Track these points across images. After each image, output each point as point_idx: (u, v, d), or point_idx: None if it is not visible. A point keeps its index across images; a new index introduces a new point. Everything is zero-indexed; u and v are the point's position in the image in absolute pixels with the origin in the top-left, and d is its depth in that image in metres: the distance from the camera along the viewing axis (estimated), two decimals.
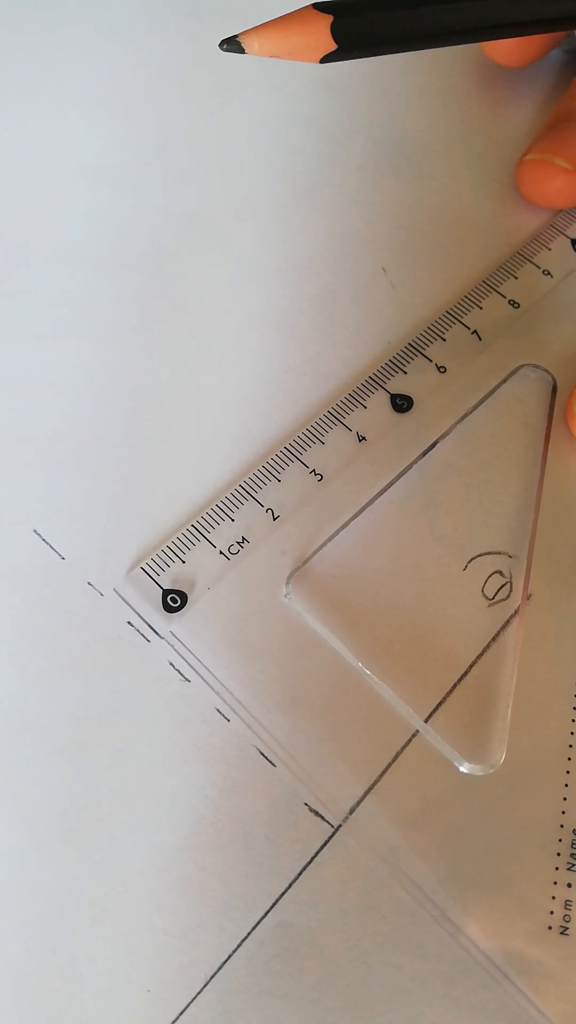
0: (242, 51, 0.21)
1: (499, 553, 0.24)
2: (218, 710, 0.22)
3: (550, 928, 0.20)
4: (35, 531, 0.24)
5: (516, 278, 0.29)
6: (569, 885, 0.20)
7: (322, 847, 0.21)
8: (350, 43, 0.22)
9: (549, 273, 0.29)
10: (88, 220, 0.30)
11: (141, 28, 0.36)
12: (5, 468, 0.25)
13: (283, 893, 0.20)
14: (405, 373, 0.27)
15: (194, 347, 0.28)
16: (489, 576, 0.24)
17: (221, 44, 0.21)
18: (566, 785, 0.22)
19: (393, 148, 0.33)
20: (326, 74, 0.35)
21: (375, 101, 0.34)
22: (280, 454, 0.26)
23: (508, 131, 0.34)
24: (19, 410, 0.27)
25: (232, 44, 0.21)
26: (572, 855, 0.21)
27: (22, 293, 0.29)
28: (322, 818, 0.21)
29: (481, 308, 0.28)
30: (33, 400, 0.27)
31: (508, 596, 0.24)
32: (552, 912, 0.20)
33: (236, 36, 0.21)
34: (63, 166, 0.32)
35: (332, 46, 0.22)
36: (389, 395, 0.27)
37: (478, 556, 0.24)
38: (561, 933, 0.20)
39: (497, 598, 0.24)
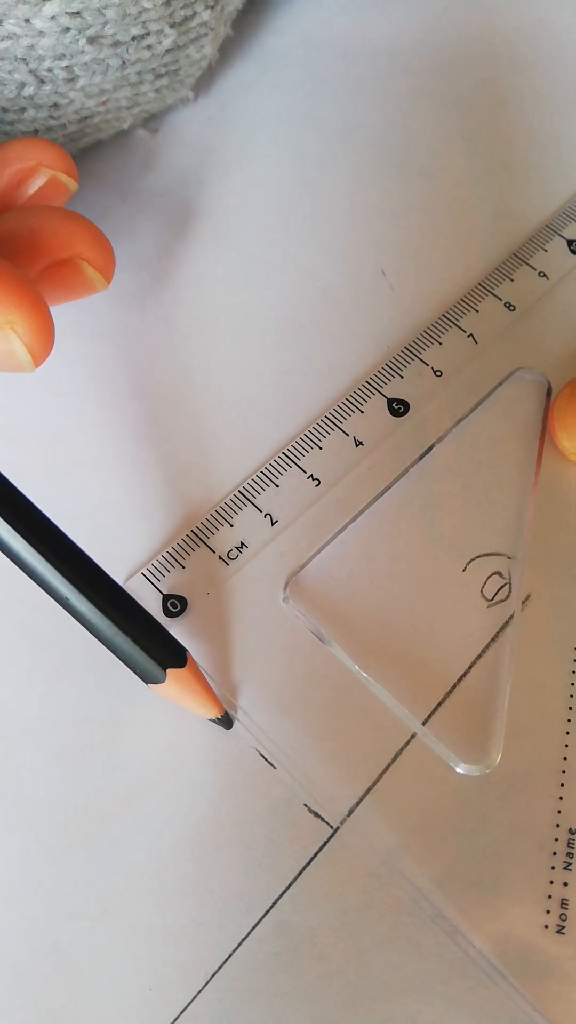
0: None
1: (498, 554, 0.25)
2: None
3: (546, 927, 0.20)
4: None
5: (512, 280, 0.29)
6: (565, 884, 0.21)
7: (321, 847, 0.21)
8: None
9: (545, 275, 0.29)
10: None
11: None
12: (5, 469, 0.26)
13: (283, 893, 0.21)
14: (402, 377, 0.27)
15: (194, 348, 0.28)
16: (488, 577, 0.24)
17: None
18: (562, 784, 0.22)
19: (393, 148, 0.33)
20: (326, 74, 0.35)
21: (375, 101, 0.34)
22: (278, 459, 0.26)
23: (507, 131, 0.33)
24: (19, 410, 0.27)
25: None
26: (568, 854, 0.21)
27: None
28: (321, 819, 0.21)
29: (477, 311, 0.28)
30: (33, 400, 0.27)
31: (508, 597, 0.24)
32: (548, 911, 0.20)
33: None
34: None
35: None
36: (386, 399, 0.27)
37: (477, 557, 0.25)
38: (558, 932, 0.20)
39: (496, 599, 0.24)
